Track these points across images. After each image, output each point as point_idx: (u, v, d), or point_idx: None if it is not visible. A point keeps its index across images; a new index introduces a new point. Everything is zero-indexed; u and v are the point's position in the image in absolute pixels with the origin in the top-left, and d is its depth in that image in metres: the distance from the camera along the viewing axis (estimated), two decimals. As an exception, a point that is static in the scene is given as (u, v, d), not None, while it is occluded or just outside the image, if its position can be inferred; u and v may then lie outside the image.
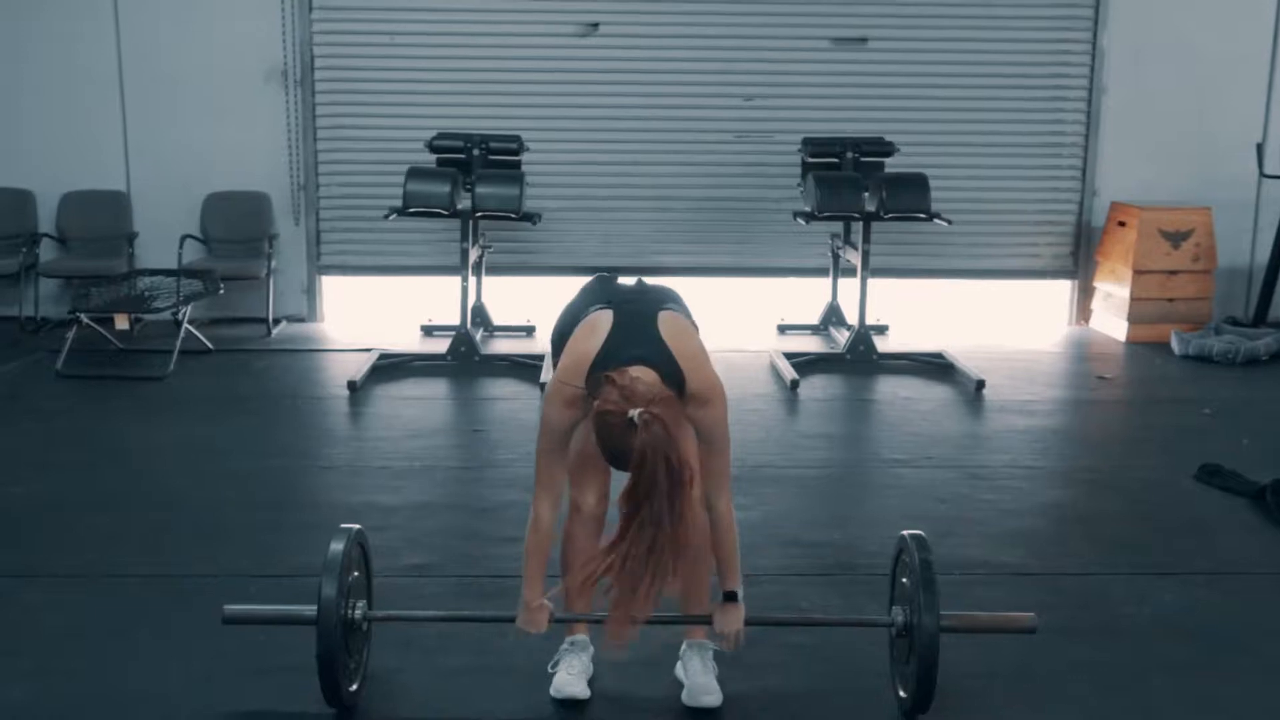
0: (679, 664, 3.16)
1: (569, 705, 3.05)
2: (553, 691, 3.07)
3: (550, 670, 3.12)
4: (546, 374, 6.10)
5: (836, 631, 3.44)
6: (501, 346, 6.93)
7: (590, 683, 3.11)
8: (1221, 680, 3.26)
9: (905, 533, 3.08)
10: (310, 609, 2.92)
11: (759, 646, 3.18)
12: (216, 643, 3.33)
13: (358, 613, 3.02)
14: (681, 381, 2.77)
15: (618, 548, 2.57)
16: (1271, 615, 3.68)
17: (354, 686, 3.04)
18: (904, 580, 3.05)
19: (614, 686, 3.15)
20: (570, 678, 3.08)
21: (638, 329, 2.82)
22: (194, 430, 5.42)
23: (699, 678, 3.07)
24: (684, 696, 3.07)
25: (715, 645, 3.11)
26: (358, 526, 3.12)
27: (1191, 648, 3.42)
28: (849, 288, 7.10)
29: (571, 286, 3.01)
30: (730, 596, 2.96)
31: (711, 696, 3.04)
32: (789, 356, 6.57)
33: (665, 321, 2.86)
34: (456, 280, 6.63)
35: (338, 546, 2.97)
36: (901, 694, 3.05)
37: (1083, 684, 3.22)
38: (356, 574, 3.07)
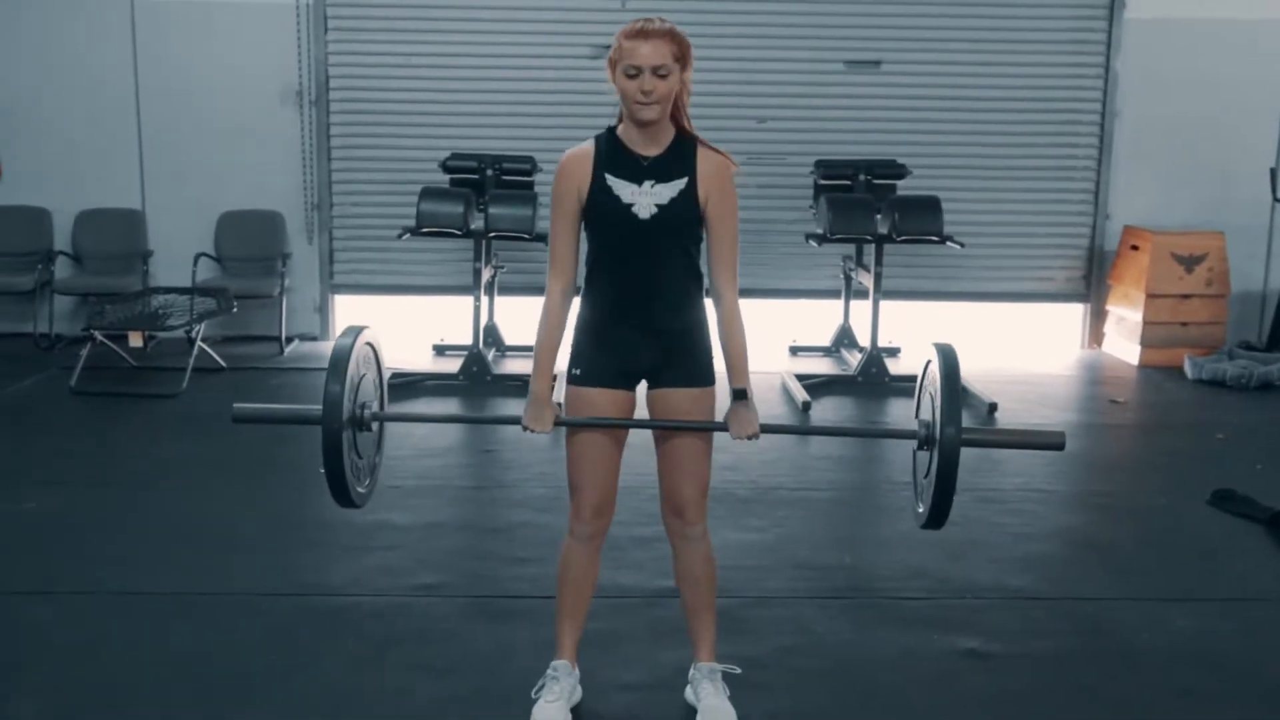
0: (689, 689, 3.14)
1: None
2: None
3: (534, 696, 3.06)
4: (558, 395, 6.10)
5: (845, 655, 3.44)
6: (513, 366, 6.94)
7: (577, 709, 3.07)
8: (1235, 708, 3.23)
9: (934, 343, 3.01)
10: (316, 408, 2.84)
11: (767, 669, 3.17)
12: (229, 662, 3.34)
13: (366, 412, 2.96)
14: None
15: None
16: (1286, 642, 3.66)
17: (362, 488, 3.01)
18: (929, 394, 2.98)
19: (621, 710, 3.14)
20: (550, 707, 3.02)
21: None
22: (206, 448, 5.43)
23: (712, 700, 3.04)
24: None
25: (725, 667, 3.10)
26: (367, 325, 3.04)
27: (1205, 675, 3.40)
28: (861, 310, 7.10)
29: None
30: (740, 395, 2.92)
31: (728, 718, 3.01)
32: (801, 378, 6.57)
33: None
34: (469, 300, 6.64)
35: (345, 343, 2.89)
36: (919, 509, 3.02)
37: (1095, 711, 3.20)
38: (365, 374, 2.99)
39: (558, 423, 2.96)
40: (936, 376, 2.90)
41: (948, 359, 2.90)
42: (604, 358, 2.95)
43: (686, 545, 3.06)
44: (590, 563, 3.07)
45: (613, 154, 2.86)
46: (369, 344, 3.04)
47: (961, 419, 2.83)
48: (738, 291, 2.95)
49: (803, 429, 3.11)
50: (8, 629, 3.56)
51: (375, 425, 3.03)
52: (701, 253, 2.94)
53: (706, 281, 2.98)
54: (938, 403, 2.86)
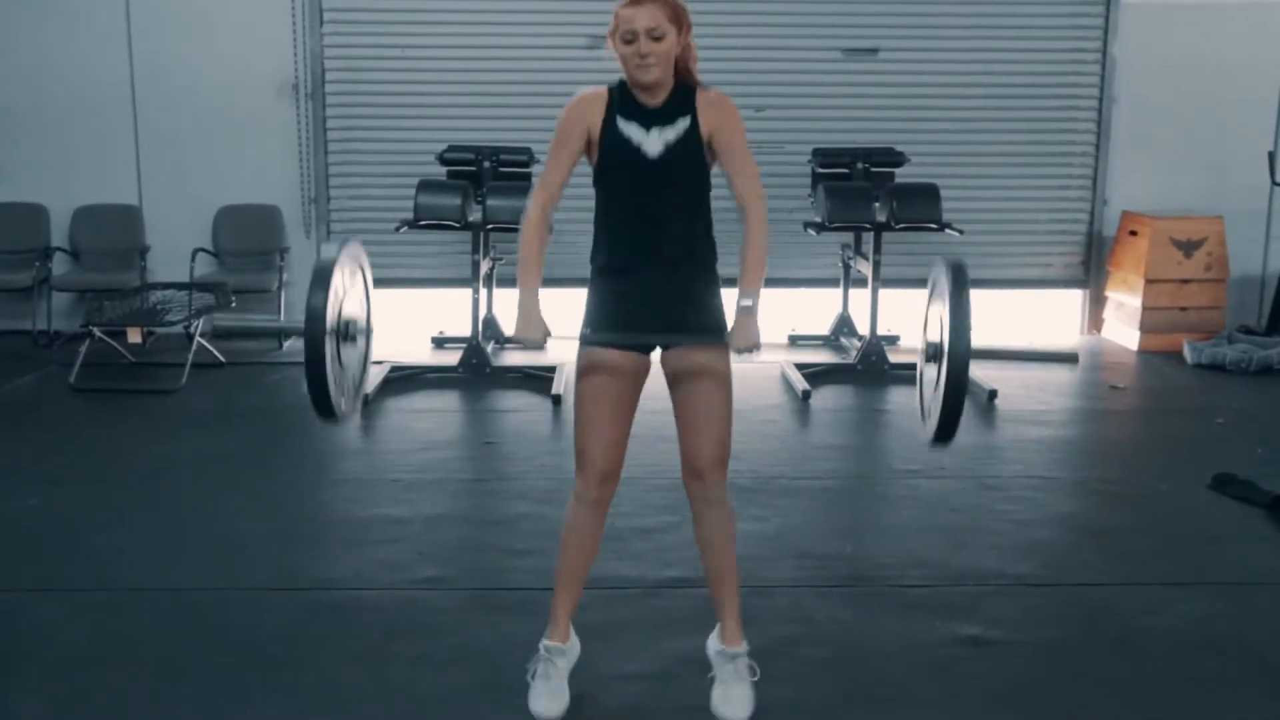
0: (710, 639, 3.13)
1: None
2: (530, 709, 3.00)
3: (528, 680, 3.06)
4: (558, 386, 6.12)
5: (847, 644, 3.44)
6: (513, 358, 6.93)
7: (579, 699, 3.06)
8: (1239, 692, 3.23)
9: (942, 257, 3.02)
10: (298, 325, 2.87)
11: (775, 658, 3.17)
12: (232, 657, 3.34)
13: (351, 325, 2.97)
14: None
15: None
16: (1288, 626, 3.67)
17: (345, 400, 3.03)
18: (937, 305, 2.96)
19: (623, 701, 3.14)
20: (545, 692, 3.01)
21: None
22: (207, 443, 5.43)
23: (732, 687, 3.03)
24: (715, 704, 3.01)
25: (748, 662, 3.07)
26: (354, 238, 3.07)
27: (1208, 659, 3.40)
28: (860, 298, 7.09)
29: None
30: (745, 310, 2.91)
31: (745, 708, 2.99)
32: (800, 367, 6.56)
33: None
34: (468, 293, 6.64)
35: (329, 255, 2.91)
36: (927, 424, 2.99)
37: (1097, 697, 3.20)
38: (350, 288, 3.00)
39: (548, 336, 2.98)
40: (945, 289, 2.88)
41: (957, 271, 2.90)
42: (613, 314, 2.95)
43: (708, 509, 3.06)
44: (595, 525, 3.06)
45: (624, 101, 2.93)
46: (354, 257, 3.04)
47: (970, 334, 2.80)
48: (764, 201, 2.94)
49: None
50: (10, 627, 3.56)
51: (360, 339, 3.02)
52: (709, 200, 2.97)
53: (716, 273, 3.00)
54: (946, 315, 2.84)
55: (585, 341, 2.98)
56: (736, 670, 3.04)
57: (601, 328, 2.96)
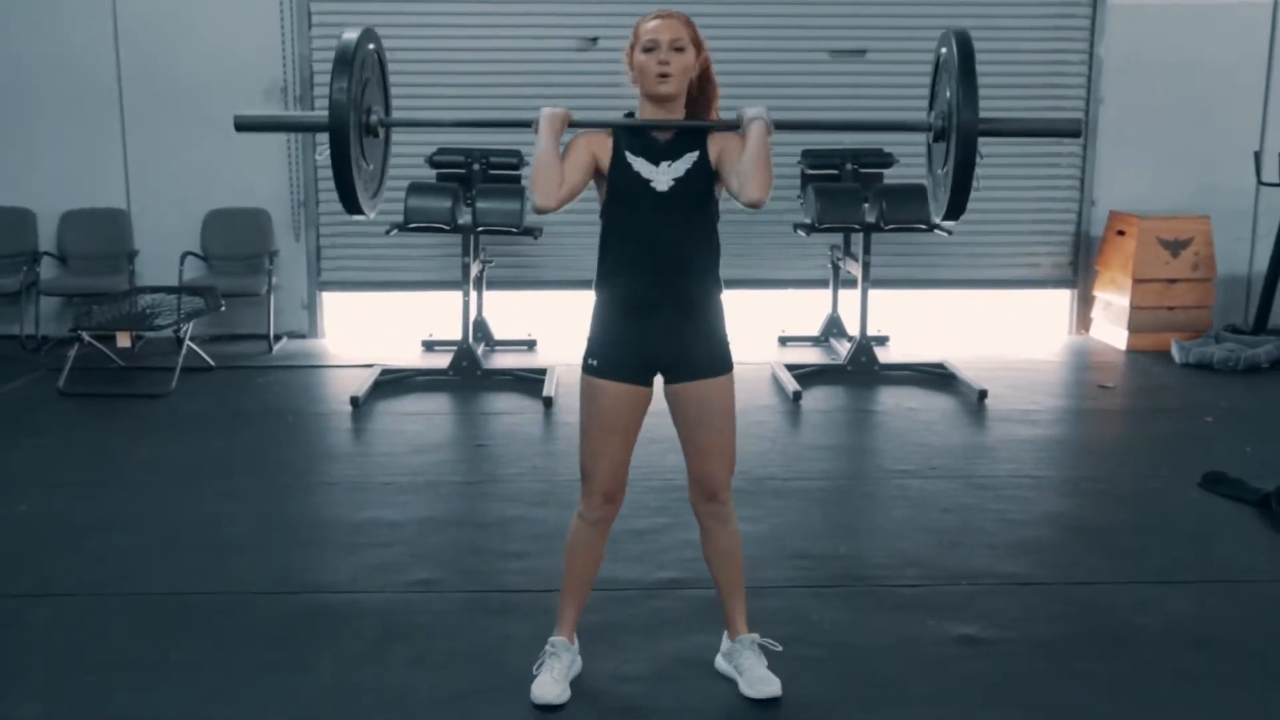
0: (719, 659, 3.23)
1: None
2: (533, 697, 3.06)
3: (535, 672, 3.12)
4: (549, 388, 6.12)
5: (842, 643, 3.45)
6: (503, 361, 6.93)
7: (577, 685, 3.14)
8: (1232, 689, 3.25)
9: (949, 30, 3.02)
10: (322, 114, 2.77)
11: (771, 658, 3.17)
12: (227, 661, 3.34)
13: (373, 117, 2.90)
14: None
15: None
16: None
17: (373, 196, 3.00)
18: (944, 83, 2.93)
19: (621, 702, 3.15)
20: (550, 680, 3.08)
21: None
22: (197, 448, 5.42)
23: (756, 669, 3.11)
24: (744, 689, 3.10)
25: (766, 642, 3.18)
26: (370, 28, 2.99)
27: (1201, 656, 3.42)
28: (849, 299, 7.12)
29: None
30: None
31: (773, 685, 3.08)
32: (791, 368, 6.58)
33: None
34: (457, 295, 6.63)
35: (350, 38, 2.82)
36: (934, 202, 3.00)
37: (1091, 694, 3.21)
38: (370, 78, 2.93)
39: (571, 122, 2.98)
40: (954, 63, 2.88)
41: (963, 45, 2.91)
42: (622, 349, 2.98)
43: (719, 525, 3.13)
44: (598, 542, 3.15)
45: (631, 136, 2.96)
46: (373, 47, 3.01)
47: (978, 104, 2.77)
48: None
49: (810, 124, 3.23)
50: (3, 632, 3.55)
51: (381, 131, 2.99)
52: (717, 235, 3.02)
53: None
54: (954, 89, 2.83)
55: (592, 372, 3.00)
56: (756, 654, 3.15)
57: (608, 360, 2.98)
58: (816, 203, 6.67)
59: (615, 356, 2.98)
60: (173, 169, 7.38)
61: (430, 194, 6.46)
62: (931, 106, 3.06)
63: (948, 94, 2.89)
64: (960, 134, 2.77)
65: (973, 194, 3.14)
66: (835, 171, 6.95)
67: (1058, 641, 3.49)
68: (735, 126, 2.96)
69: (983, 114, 2.90)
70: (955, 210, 2.90)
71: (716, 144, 2.95)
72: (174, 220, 7.38)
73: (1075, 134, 3.08)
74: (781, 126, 2.98)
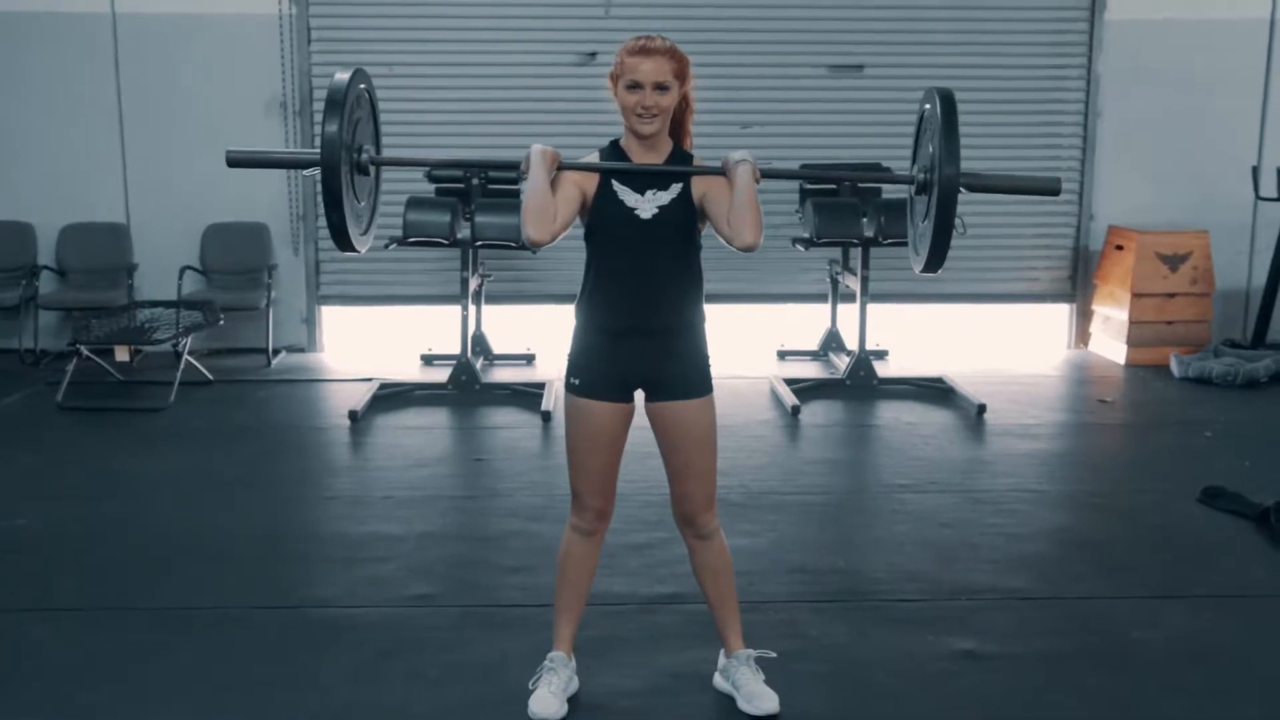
0: (718, 677, 3.22)
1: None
2: (530, 712, 3.06)
3: (531, 687, 3.12)
4: (547, 403, 6.11)
5: (841, 658, 3.45)
6: (502, 375, 6.94)
7: (574, 701, 3.13)
8: (1231, 704, 3.25)
9: (933, 88, 3.04)
10: (314, 152, 2.84)
11: (769, 673, 3.17)
12: (225, 676, 3.33)
13: (363, 156, 2.94)
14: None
15: None
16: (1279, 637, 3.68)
17: (364, 232, 3.03)
18: (926, 138, 2.98)
19: (618, 717, 3.14)
20: (549, 695, 3.08)
21: None
22: (195, 462, 5.41)
23: (753, 685, 3.12)
24: (743, 705, 3.10)
25: (760, 653, 3.19)
26: (361, 67, 3.04)
27: (1200, 671, 3.41)
28: (848, 313, 7.11)
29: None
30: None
31: (771, 701, 3.09)
32: (789, 383, 6.58)
33: None
34: (456, 309, 6.63)
35: (341, 79, 2.88)
36: (918, 255, 3.04)
37: (1091, 709, 3.21)
38: (361, 117, 2.98)
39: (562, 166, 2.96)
40: (937, 119, 2.90)
41: (946, 102, 2.93)
42: (603, 367, 3.00)
43: (701, 543, 3.15)
44: (593, 551, 3.18)
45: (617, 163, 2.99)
46: (364, 86, 3.04)
47: (960, 160, 2.82)
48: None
49: (795, 174, 3.29)
50: (2, 646, 3.54)
51: (372, 169, 3.02)
52: (699, 262, 3.04)
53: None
54: (936, 144, 2.86)
55: (574, 391, 3.03)
56: (753, 670, 3.15)
57: (590, 381, 3.01)
58: (815, 217, 6.68)
59: (595, 374, 3.00)
60: (172, 183, 7.39)
61: (429, 208, 6.46)
62: (914, 160, 3.10)
63: (930, 149, 2.93)
64: (942, 186, 2.81)
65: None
66: (833, 186, 6.96)
67: (1057, 656, 3.48)
68: (720, 171, 2.96)
69: (965, 163, 2.93)
70: (935, 260, 2.94)
71: (700, 184, 2.97)
72: (173, 234, 7.38)
73: (1054, 193, 3.10)
74: (768, 175, 3.00)
